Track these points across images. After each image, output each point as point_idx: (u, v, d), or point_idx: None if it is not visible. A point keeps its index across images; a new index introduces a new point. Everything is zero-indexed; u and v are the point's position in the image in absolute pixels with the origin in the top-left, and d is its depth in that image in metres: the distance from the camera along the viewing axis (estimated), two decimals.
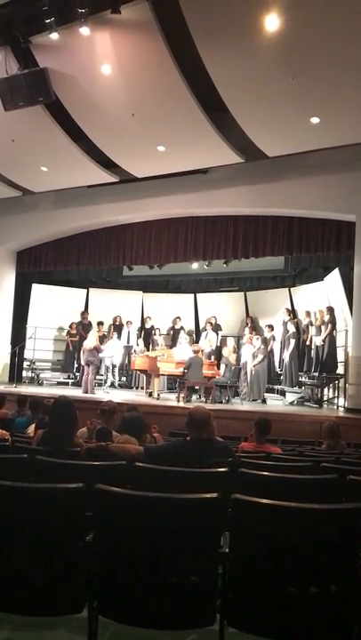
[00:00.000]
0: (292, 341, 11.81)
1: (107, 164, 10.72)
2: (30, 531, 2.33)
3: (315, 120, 8.31)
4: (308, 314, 12.27)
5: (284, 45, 7.05)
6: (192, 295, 15.38)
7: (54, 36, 7.57)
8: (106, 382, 13.29)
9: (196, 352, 10.93)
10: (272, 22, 6.75)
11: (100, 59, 7.91)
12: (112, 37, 7.56)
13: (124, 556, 2.27)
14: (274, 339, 12.66)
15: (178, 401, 10.45)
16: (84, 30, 7.36)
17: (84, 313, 14.51)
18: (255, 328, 13.20)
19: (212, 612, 2.24)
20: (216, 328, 13.72)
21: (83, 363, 11.78)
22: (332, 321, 10.90)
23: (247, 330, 12.91)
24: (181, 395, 10.58)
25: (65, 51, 7.91)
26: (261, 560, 2.21)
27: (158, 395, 11.08)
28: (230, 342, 12.42)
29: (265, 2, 6.59)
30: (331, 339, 10.86)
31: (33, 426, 5.37)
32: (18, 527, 2.34)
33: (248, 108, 8.43)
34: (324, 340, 10.94)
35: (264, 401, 11.49)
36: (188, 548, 2.24)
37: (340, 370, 10.64)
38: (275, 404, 11.62)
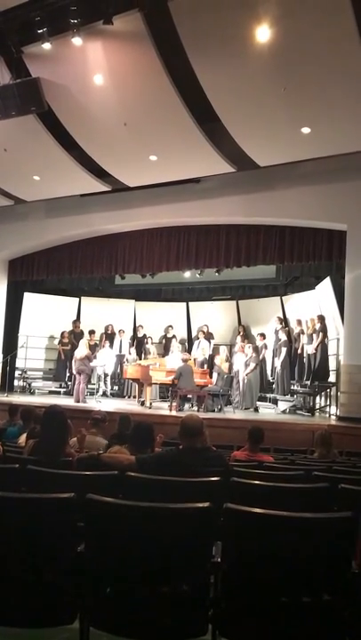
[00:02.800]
0: (284, 350, 11.83)
1: (99, 173, 10.73)
2: (21, 541, 2.32)
3: (306, 130, 8.37)
4: (299, 322, 12.30)
5: (275, 56, 7.11)
6: (184, 304, 15.39)
7: (47, 45, 7.57)
8: (98, 391, 13.25)
9: (185, 360, 10.91)
10: (263, 33, 6.80)
11: (92, 69, 7.94)
12: (104, 48, 7.60)
13: (116, 567, 2.26)
14: (266, 347, 12.68)
15: (170, 410, 10.43)
16: (77, 40, 7.38)
17: (76, 322, 14.49)
18: (247, 336, 13.23)
19: (204, 622, 2.24)
20: (208, 336, 13.73)
21: (74, 372, 11.75)
22: (324, 329, 10.94)
23: (239, 338, 12.93)
24: (174, 403, 10.57)
25: (57, 61, 7.93)
26: (254, 569, 2.20)
27: (151, 403, 11.05)
28: (223, 351, 12.44)
29: (256, 13, 6.65)
30: (322, 347, 10.89)
31: (24, 435, 5.32)
32: (9, 538, 2.33)
33: (240, 118, 8.49)
34: (315, 349, 10.97)
35: (256, 409, 11.48)
36: (179, 558, 2.23)
37: (332, 378, 10.67)
38: (267, 412, 11.62)
